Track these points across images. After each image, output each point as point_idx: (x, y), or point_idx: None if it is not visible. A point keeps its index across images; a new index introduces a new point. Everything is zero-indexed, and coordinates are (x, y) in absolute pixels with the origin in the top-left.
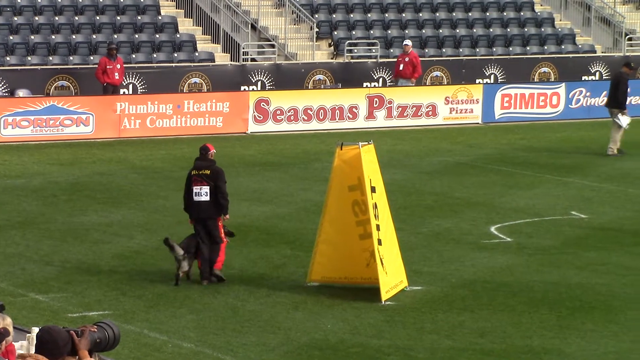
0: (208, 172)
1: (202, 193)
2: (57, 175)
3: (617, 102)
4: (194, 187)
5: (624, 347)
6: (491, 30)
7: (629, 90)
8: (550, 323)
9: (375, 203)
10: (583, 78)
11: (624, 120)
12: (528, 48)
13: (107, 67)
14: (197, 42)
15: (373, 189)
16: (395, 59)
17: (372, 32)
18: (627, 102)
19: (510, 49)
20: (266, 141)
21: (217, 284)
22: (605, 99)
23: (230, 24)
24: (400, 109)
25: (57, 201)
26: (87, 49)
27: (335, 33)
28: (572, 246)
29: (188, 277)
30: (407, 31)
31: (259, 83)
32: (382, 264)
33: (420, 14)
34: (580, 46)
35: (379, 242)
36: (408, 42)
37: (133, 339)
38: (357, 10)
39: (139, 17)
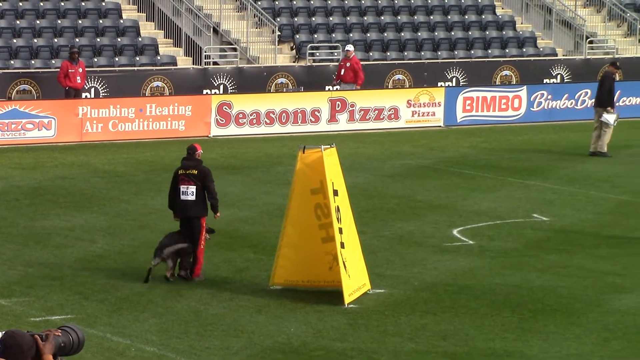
0: (195, 172)
1: (189, 192)
2: (19, 180)
3: (601, 101)
4: (181, 186)
5: (586, 349)
6: (453, 33)
7: (618, 92)
8: (513, 326)
9: (338, 206)
10: (544, 81)
11: (610, 118)
12: (489, 51)
13: (69, 71)
14: (159, 45)
15: (335, 192)
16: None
17: (334, 35)
18: (614, 101)
19: (472, 52)
20: (228, 145)
21: (182, 283)
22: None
23: (192, 27)
24: (363, 112)
25: (19, 205)
26: (48, 53)
27: (297, 36)
28: (534, 249)
29: (167, 279)
30: (368, 34)
31: (221, 87)
32: (344, 267)
33: (382, 17)
34: (541, 49)
35: (342, 245)
36: (350, 47)
37: (96, 343)
38: (319, 14)
39: (101, 21)
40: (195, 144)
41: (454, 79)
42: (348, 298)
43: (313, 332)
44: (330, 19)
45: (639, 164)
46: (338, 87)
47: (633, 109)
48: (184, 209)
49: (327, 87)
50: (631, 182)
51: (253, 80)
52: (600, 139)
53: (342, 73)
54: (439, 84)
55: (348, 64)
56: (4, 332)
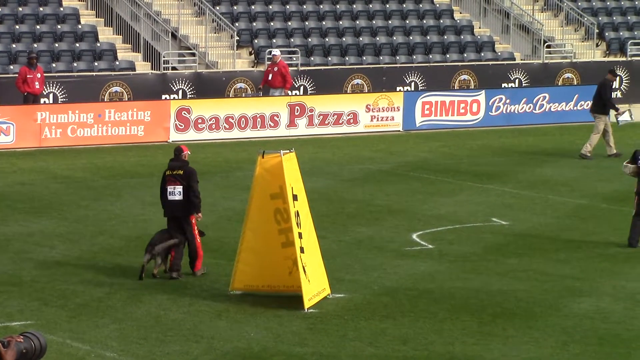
0: (181, 172)
1: (176, 192)
2: None
3: (598, 107)
4: (168, 187)
5: (545, 352)
6: (411, 38)
7: (614, 97)
8: (472, 329)
9: (297, 211)
10: (503, 85)
11: (624, 116)
12: (448, 56)
13: (27, 76)
14: (118, 50)
15: (295, 197)
16: (316, 67)
17: (292, 40)
18: (610, 107)
19: (430, 56)
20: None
21: (141, 289)
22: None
23: (151, 32)
24: (322, 117)
25: None
26: (6, 58)
27: (256, 41)
28: (493, 253)
29: (154, 276)
30: (327, 39)
31: (180, 92)
32: (304, 271)
33: (341, 22)
34: (499, 53)
35: (302, 250)
36: (276, 51)
37: (55, 349)
38: (278, 19)
39: (59, 26)
40: (182, 145)
41: (412, 84)
42: (308, 303)
43: (273, 336)
44: (289, 23)
45: (597, 168)
46: (261, 92)
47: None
48: (172, 209)
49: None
50: (589, 186)
51: (212, 85)
52: (591, 140)
53: (269, 78)
54: (398, 88)
55: (275, 69)
56: None
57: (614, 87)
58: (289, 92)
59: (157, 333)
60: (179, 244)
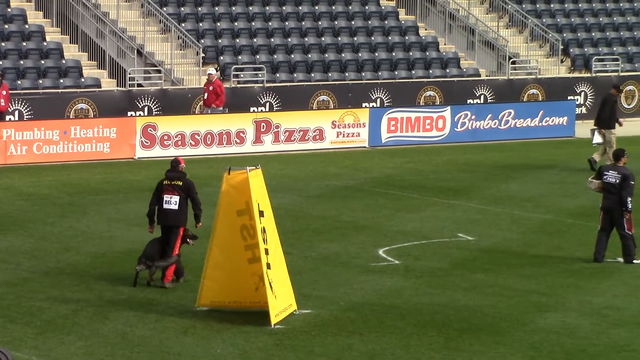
0: (180, 183)
1: (172, 202)
2: None
3: (601, 121)
4: (165, 196)
5: None
6: (376, 54)
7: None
8: (439, 345)
9: (264, 227)
10: (468, 101)
11: (596, 138)
12: (413, 72)
13: None
14: (83, 67)
15: (261, 213)
16: (282, 84)
17: (258, 57)
18: (615, 122)
19: (396, 72)
20: (154, 166)
21: (108, 306)
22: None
23: (116, 49)
24: (288, 133)
25: None
26: None
27: (222, 58)
28: (460, 268)
29: (149, 283)
30: (292, 56)
31: (146, 108)
32: (271, 287)
33: (306, 39)
34: (464, 70)
35: (268, 266)
36: (212, 70)
37: None
38: (243, 36)
39: (24, 44)
40: (178, 157)
41: (378, 100)
42: (274, 319)
43: (239, 353)
44: (255, 40)
45: (563, 183)
46: (207, 110)
47: (556, 128)
48: (166, 218)
49: (251, 109)
50: (554, 202)
51: (178, 102)
52: (605, 154)
53: (205, 97)
54: (364, 104)
55: (211, 88)
56: None
57: (616, 102)
58: (225, 110)
59: (124, 350)
60: (178, 261)
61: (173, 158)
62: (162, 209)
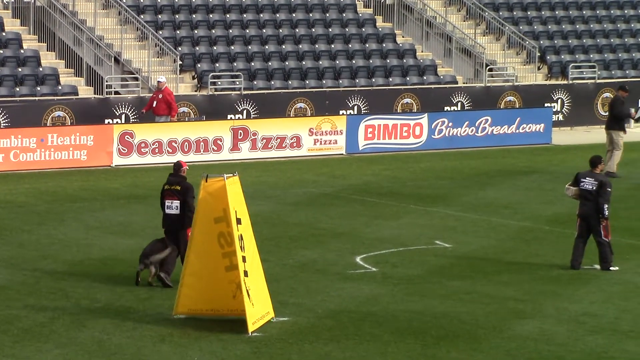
0: (179, 187)
1: (173, 207)
2: None
3: (612, 122)
4: (166, 201)
5: None
6: (354, 61)
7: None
8: (416, 352)
9: (241, 235)
10: (445, 108)
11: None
12: (390, 79)
13: None
14: (60, 75)
15: (239, 221)
16: (259, 91)
17: (235, 64)
18: (627, 114)
19: (373, 80)
20: (131, 174)
21: (85, 314)
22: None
23: (94, 57)
24: (265, 140)
25: None
26: None
27: (199, 65)
28: (437, 275)
29: (150, 283)
30: (270, 63)
31: (123, 116)
32: (248, 295)
33: (284, 46)
34: (442, 77)
35: (245, 274)
36: (162, 78)
37: None
38: (221, 43)
39: (1, 51)
40: (180, 160)
41: (355, 107)
42: (252, 326)
43: None
44: (232, 48)
45: (540, 190)
46: (204, 117)
47: (533, 135)
48: (169, 222)
49: (229, 116)
50: (532, 208)
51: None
52: (611, 160)
53: (154, 105)
54: (341, 112)
55: (160, 96)
56: None
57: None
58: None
59: (101, 358)
60: (172, 253)
61: (176, 161)
62: (165, 214)
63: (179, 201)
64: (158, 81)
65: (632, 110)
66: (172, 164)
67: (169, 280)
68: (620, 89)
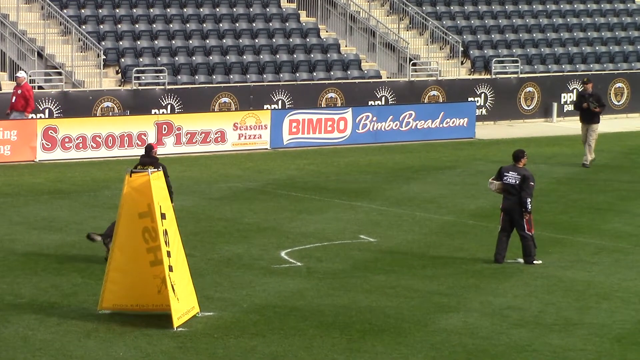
0: (152, 167)
1: None
2: None
3: (586, 117)
4: None
5: None
6: (278, 56)
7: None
8: (341, 346)
9: (166, 230)
10: (369, 103)
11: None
12: (315, 74)
13: None
14: None
15: (163, 216)
16: (183, 86)
17: (159, 59)
18: (598, 117)
19: (297, 74)
20: (55, 169)
21: (9, 309)
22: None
23: (17, 52)
24: (189, 135)
25: None
26: None
27: (123, 60)
28: (362, 270)
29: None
30: (194, 58)
31: (47, 111)
32: (173, 290)
33: (207, 41)
34: (365, 72)
35: (170, 269)
36: (21, 73)
37: None
38: (144, 38)
39: None
40: (152, 142)
41: (280, 102)
42: (177, 321)
43: (142, 356)
44: (156, 42)
45: (464, 185)
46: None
47: (456, 130)
48: None
49: (153, 111)
50: (456, 203)
51: (79, 105)
52: (587, 148)
53: (13, 100)
54: (265, 106)
55: (19, 92)
56: None
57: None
58: (29, 116)
59: (26, 354)
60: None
61: (147, 144)
62: None
63: None
64: (17, 76)
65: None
66: (97, 159)
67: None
68: (583, 83)
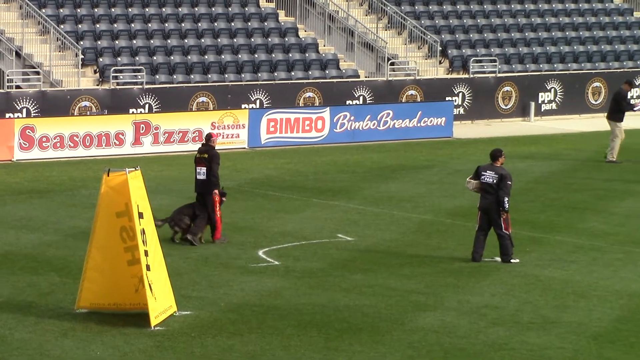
0: (206, 155)
1: (201, 173)
2: None
3: (614, 114)
4: (197, 168)
5: None
6: (256, 55)
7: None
8: (319, 345)
9: (144, 229)
10: (347, 102)
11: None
12: (293, 73)
13: None
14: None
15: (141, 215)
16: (161, 85)
17: (137, 58)
18: (623, 115)
19: (275, 74)
20: (32, 168)
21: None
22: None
23: None
24: (167, 134)
25: None
26: None
27: (101, 60)
28: (339, 268)
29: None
30: (172, 57)
31: (24, 110)
32: (150, 289)
33: (186, 41)
34: (344, 71)
35: (148, 268)
36: None
37: None
38: (123, 37)
39: None
40: (211, 132)
41: (257, 101)
42: (154, 320)
43: (120, 355)
44: (134, 42)
45: (441, 184)
46: (106, 111)
47: (434, 129)
48: (198, 187)
49: (131, 110)
50: (433, 202)
51: (56, 104)
52: (614, 145)
53: None
54: (243, 106)
55: None
56: None
57: (629, 97)
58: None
59: (3, 353)
60: (198, 214)
61: (207, 132)
62: (195, 179)
63: (205, 168)
64: None
65: (634, 104)
66: (74, 158)
67: (196, 241)
68: (626, 83)
